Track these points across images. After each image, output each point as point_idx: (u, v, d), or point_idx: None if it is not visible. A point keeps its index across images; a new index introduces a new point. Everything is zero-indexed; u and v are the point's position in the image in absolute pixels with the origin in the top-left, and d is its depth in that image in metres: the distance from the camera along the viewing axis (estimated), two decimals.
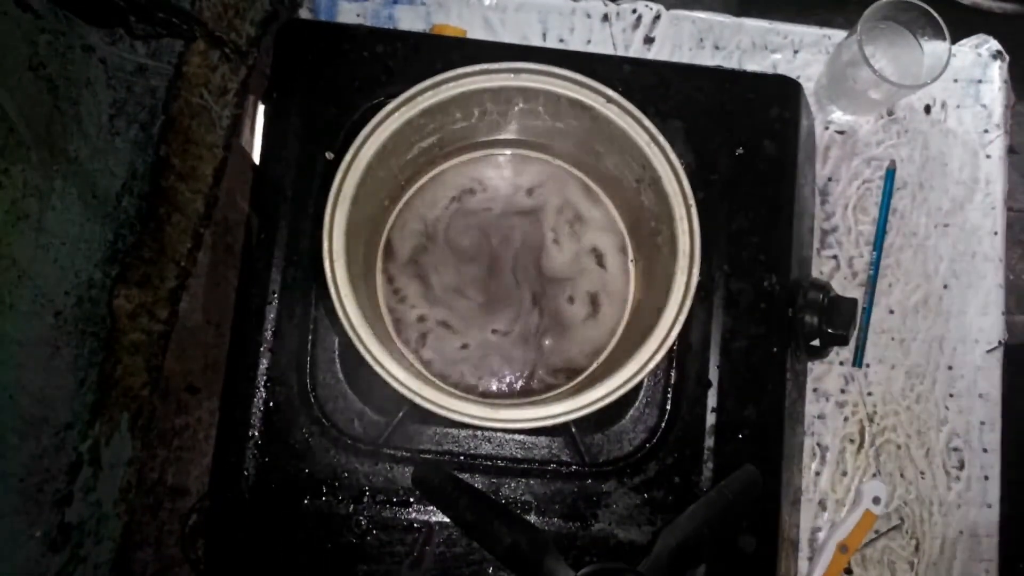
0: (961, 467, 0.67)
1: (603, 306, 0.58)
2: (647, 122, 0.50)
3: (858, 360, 0.67)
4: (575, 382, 0.57)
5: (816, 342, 0.57)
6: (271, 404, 0.53)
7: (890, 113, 0.71)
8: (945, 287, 0.69)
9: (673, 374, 0.55)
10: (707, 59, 0.70)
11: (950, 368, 0.68)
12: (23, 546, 0.46)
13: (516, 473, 0.53)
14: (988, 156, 0.70)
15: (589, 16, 0.70)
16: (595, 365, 0.57)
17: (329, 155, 0.55)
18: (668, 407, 0.54)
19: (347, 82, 0.56)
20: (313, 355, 0.54)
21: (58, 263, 0.47)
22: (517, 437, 0.54)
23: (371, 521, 0.52)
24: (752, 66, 0.70)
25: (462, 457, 0.53)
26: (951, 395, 0.68)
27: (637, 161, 0.52)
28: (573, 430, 0.53)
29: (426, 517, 0.53)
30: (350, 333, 0.47)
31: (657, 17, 0.70)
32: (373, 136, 0.49)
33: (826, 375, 0.68)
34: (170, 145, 0.53)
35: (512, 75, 0.50)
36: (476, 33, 0.68)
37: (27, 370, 0.45)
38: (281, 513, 0.53)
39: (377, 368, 0.47)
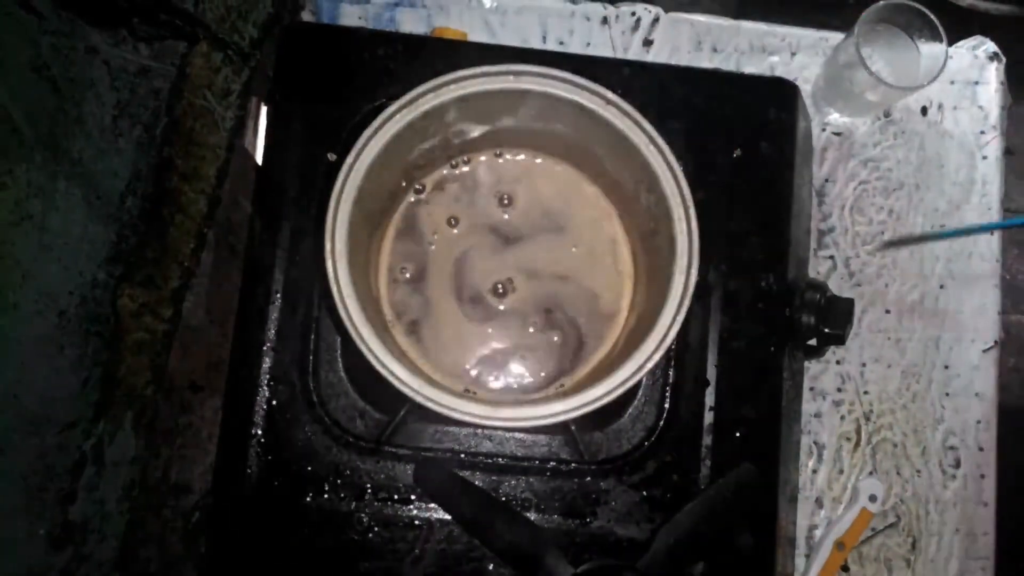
0: (957, 465, 0.68)
1: (602, 306, 0.58)
2: (646, 124, 0.51)
3: None
4: (575, 381, 0.57)
5: (813, 341, 0.57)
6: (273, 403, 0.54)
7: (887, 115, 0.71)
8: (941, 287, 0.70)
9: (671, 373, 0.55)
10: (705, 61, 0.71)
11: (946, 367, 0.69)
12: (27, 544, 0.47)
13: (516, 471, 0.54)
14: (985, 157, 0.71)
15: (588, 19, 0.70)
16: (594, 364, 0.57)
17: (331, 156, 0.55)
18: (667, 406, 0.55)
19: (349, 84, 0.57)
20: (315, 354, 0.54)
21: (62, 263, 0.47)
22: (517, 435, 0.54)
23: (373, 518, 0.53)
24: (750, 68, 0.71)
25: (463, 455, 0.54)
26: (947, 394, 0.68)
27: (636, 162, 0.52)
28: (573, 428, 0.53)
29: (427, 514, 0.53)
30: (351, 332, 0.47)
31: (656, 20, 0.71)
32: (375, 138, 0.50)
33: (823, 374, 0.68)
34: (173, 146, 0.54)
35: (512, 77, 0.51)
36: (477, 36, 0.69)
37: (31, 369, 0.46)
38: (283, 511, 0.53)
39: (378, 367, 0.47)
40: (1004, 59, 0.72)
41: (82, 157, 0.48)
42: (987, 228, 0.68)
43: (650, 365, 0.48)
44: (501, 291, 0.58)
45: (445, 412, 0.47)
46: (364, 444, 0.53)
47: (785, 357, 0.56)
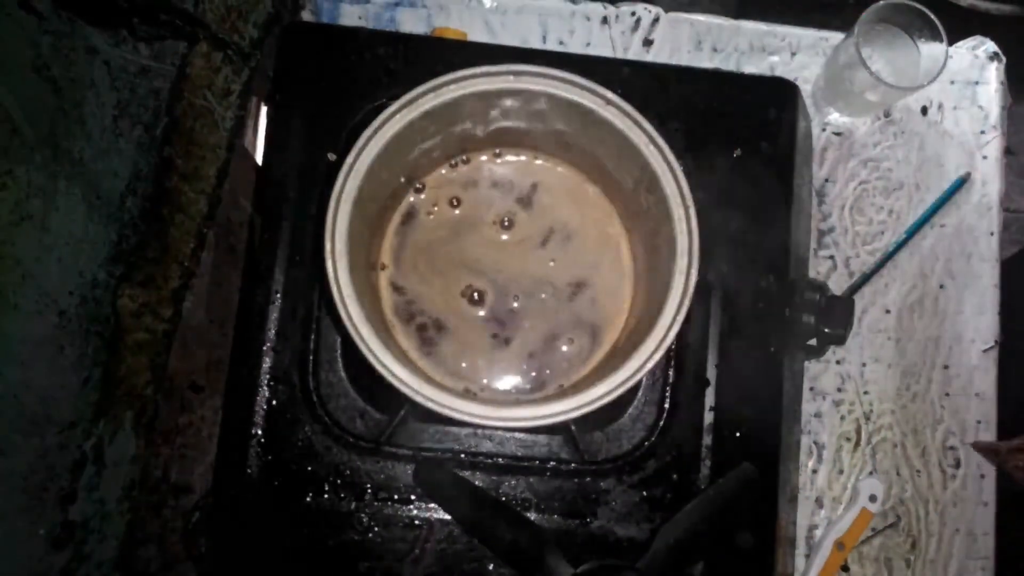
0: (957, 465, 0.68)
1: (602, 306, 0.58)
2: (646, 124, 0.51)
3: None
4: (575, 381, 0.57)
5: (813, 341, 0.57)
6: (274, 403, 0.54)
7: (887, 115, 0.71)
8: (941, 287, 0.70)
9: (671, 373, 0.55)
10: (705, 61, 0.71)
11: (946, 367, 0.69)
12: (27, 544, 0.47)
13: (516, 471, 0.54)
14: (984, 157, 0.71)
15: (588, 19, 0.70)
16: (594, 364, 0.57)
17: (331, 156, 0.55)
18: (666, 405, 0.55)
19: (349, 84, 0.57)
20: (315, 354, 0.54)
21: (62, 263, 0.47)
22: (517, 435, 0.54)
23: (373, 518, 0.53)
24: (750, 68, 0.71)
25: (463, 455, 0.54)
26: (947, 394, 0.69)
27: (636, 163, 0.52)
28: (573, 428, 0.53)
29: (427, 514, 0.53)
30: (351, 332, 0.47)
31: (656, 20, 0.71)
32: (375, 138, 0.50)
33: (823, 374, 0.68)
34: (174, 146, 0.54)
35: (512, 77, 0.51)
36: (477, 36, 0.69)
37: (31, 369, 0.46)
38: (284, 510, 0.53)
39: (378, 367, 0.47)
40: (1004, 59, 0.72)
41: (82, 157, 0.48)
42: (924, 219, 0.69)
43: (650, 365, 0.48)
44: (501, 290, 0.58)
45: (445, 412, 0.47)
46: (364, 444, 0.53)
47: (785, 357, 0.56)
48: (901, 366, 0.69)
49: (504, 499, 0.53)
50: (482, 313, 0.58)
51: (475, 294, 0.58)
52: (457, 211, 0.59)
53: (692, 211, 0.50)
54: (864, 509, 0.65)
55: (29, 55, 0.44)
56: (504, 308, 0.58)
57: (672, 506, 0.53)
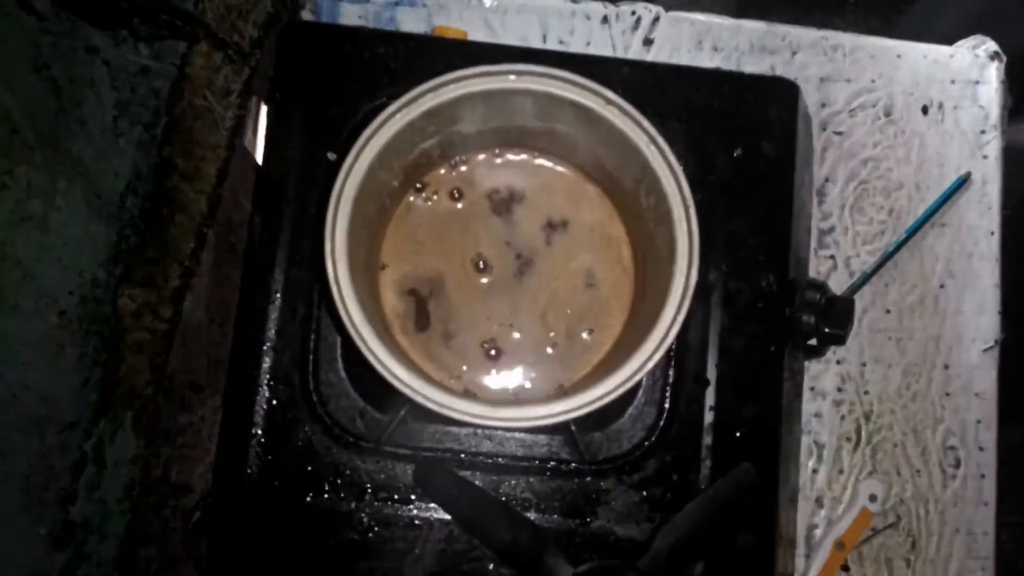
0: (957, 465, 0.68)
1: (602, 306, 0.58)
2: (646, 123, 0.51)
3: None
4: (575, 381, 0.57)
5: (813, 341, 0.57)
6: (274, 402, 0.54)
7: (887, 114, 0.71)
8: (942, 287, 0.70)
9: (671, 373, 0.55)
10: (706, 61, 0.71)
11: (946, 367, 0.69)
12: (27, 544, 0.47)
13: (516, 471, 0.54)
14: (985, 157, 0.71)
15: (589, 18, 0.70)
16: (594, 364, 0.57)
17: (331, 156, 0.55)
18: (666, 405, 0.55)
19: (349, 83, 0.57)
20: (315, 354, 0.54)
21: (62, 263, 0.47)
22: (517, 435, 0.54)
23: (373, 518, 0.53)
24: (750, 68, 0.71)
25: (463, 455, 0.54)
26: (947, 394, 0.69)
27: (636, 162, 0.52)
28: (573, 428, 0.53)
29: (427, 514, 0.53)
30: (351, 332, 0.47)
31: (656, 19, 0.71)
32: (375, 137, 0.50)
33: (823, 374, 0.68)
34: (173, 146, 0.54)
35: (512, 77, 0.51)
36: (477, 35, 0.69)
37: (31, 369, 0.46)
38: (284, 510, 0.53)
39: (378, 367, 0.47)
40: (1005, 58, 0.72)
41: (82, 157, 0.48)
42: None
43: (650, 365, 0.48)
44: (501, 291, 0.58)
45: (445, 412, 0.47)
46: (364, 444, 0.53)
47: (785, 357, 0.56)
48: (901, 366, 0.69)
49: (504, 499, 0.53)
50: (481, 311, 0.58)
51: (473, 292, 0.58)
52: (458, 205, 0.59)
53: (692, 211, 0.50)
54: (864, 509, 0.65)
55: (29, 55, 0.44)
56: (503, 306, 0.58)
57: (672, 506, 0.53)
